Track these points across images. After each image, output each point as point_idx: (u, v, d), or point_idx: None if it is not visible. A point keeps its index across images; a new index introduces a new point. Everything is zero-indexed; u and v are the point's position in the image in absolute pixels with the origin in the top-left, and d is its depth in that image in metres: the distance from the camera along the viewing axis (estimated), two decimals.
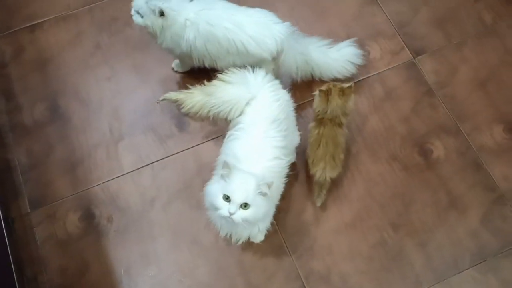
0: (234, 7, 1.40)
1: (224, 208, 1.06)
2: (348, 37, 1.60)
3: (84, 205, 1.48)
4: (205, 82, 1.32)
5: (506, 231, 1.40)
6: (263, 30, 1.37)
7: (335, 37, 1.59)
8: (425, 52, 1.66)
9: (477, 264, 1.36)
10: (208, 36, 1.37)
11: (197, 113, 1.32)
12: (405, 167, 1.49)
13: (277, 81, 1.33)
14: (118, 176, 1.52)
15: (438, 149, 1.52)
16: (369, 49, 1.66)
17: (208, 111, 1.31)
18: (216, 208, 1.07)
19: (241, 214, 1.06)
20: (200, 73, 1.52)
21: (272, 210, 1.22)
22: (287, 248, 1.40)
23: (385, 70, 1.64)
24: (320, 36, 1.56)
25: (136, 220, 1.46)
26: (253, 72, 1.30)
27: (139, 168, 1.53)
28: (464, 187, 1.46)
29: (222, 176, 1.08)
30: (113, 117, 1.60)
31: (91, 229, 1.45)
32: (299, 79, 1.54)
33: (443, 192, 1.45)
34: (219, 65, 1.44)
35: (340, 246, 1.40)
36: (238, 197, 1.05)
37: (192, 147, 1.55)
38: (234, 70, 1.32)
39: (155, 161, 1.53)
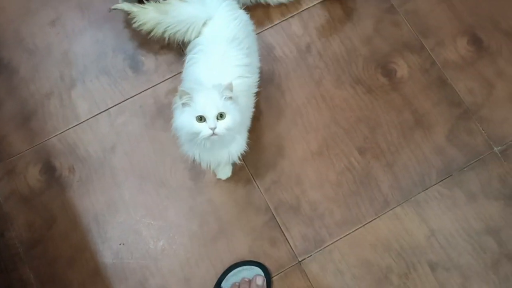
0: None
1: (205, 128, 1.05)
2: None
3: (43, 157, 1.43)
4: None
5: (471, 145, 1.40)
6: None
7: None
8: None
9: (443, 180, 1.37)
10: None
11: (151, 31, 1.33)
12: (369, 90, 1.46)
13: (234, 1, 1.28)
14: (75, 125, 1.46)
15: (402, 68, 1.48)
16: None
17: (163, 32, 1.31)
18: (196, 133, 1.05)
19: (221, 124, 1.05)
20: None
21: (246, 125, 1.22)
22: (255, 182, 1.39)
23: None
24: None
25: (99, 168, 1.42)
26: None
27: (95, 115, 1.46)
28: (429, 105, 1.44)
29: (184, 104, 1.06)
30: (63, 63, 1.52)
31: (54, 181, 1.42)
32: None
33: (408, 111, 1.43)
34: None
35: (308, 175, 1.39)
36: (210, 111, 1.04)
37: (149, 88, 1.48)
38: None
39: (111, 106, 1.47)
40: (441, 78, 1.46)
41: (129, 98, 1.48)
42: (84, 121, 1.46)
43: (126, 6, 1.34)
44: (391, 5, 1.53)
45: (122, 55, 1.52)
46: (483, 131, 1.42)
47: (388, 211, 1.35)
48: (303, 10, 1.54)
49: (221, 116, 1.05)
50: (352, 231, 1.34)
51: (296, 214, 1.36)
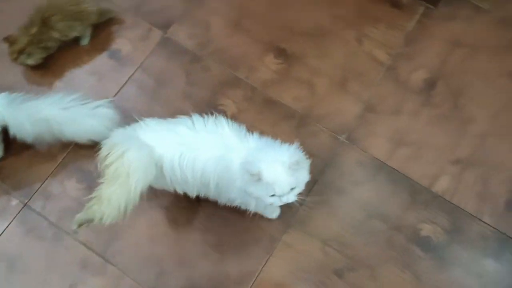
0: None
1: (277, 201, 1.05)
2: None
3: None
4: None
5: (321, 145, 1.44)
6: None
7: None
8: (172, 22, 1.60)
9: (312, 189, 1.39)
10: None
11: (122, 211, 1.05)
12: None
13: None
14: None
15: (230, 106, 1.49)
16: (120, 48, 1.56)
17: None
18: (270, 204, 1.07)
19: (292, 195, 1.05)
20: None
21: None
22: None
23: (145, 60, 1.55)
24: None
25: None
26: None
27: None
28: (268, 127, 1.45)
29: (256, 181, 1.02)
30: None
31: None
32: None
33: None
34: None
35: None
36: (283, 190, 1.03)
37: None
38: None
39: None
40: (267, 99, 1.50)
41: None
42: None
43: (83, 214, 1.04)
44: (194, 54, 1.56)
45: None
46: (324, 128, 1.47)
47: (278, 244, 1.34)
48: None
49: (291, 189, 1.04)
50: (254, 282, 1.31)
51: None
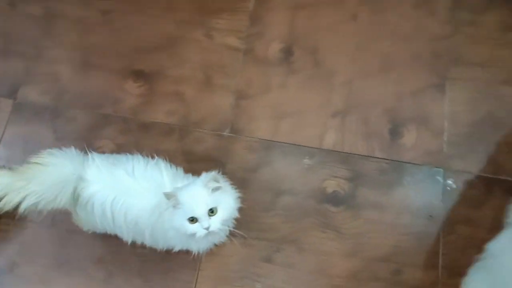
0: None
1: (199, 229, 1.00)
2: None
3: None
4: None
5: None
6: None
7: None
8: (19, 86, 1.53)
9: None
10: None
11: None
12: None
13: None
14: None
15: (108, 145, 1.46)
16: None
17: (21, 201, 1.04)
18: (193, 234, 1.01)
19: (215, 220, 1.01)
20: None
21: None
22: None
23: (4, 134, 1.47)
24: None
25: None
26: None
27: None
28: (152, 147, 1.43)
29: (174, 207, 1.01)
30: None
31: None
32: None
33: None
34: None
35: None
36: (200, 209, 0.99)
37: None
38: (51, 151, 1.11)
39: None
40: (142, 124, 1.48)
41: None
42: None
43: None
44: (53, 109, 1.50)
45: None
46: (206, 130, 1.47)
47: (202, 256, 1.33)
48: None
49: (212, 211, 1.00)
50: None
51: None
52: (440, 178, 1.42)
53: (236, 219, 1.15)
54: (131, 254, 1.35)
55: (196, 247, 1.15)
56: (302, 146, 1.45)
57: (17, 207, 1.03)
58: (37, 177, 1.06)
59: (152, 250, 1.33)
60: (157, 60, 1.56)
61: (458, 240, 1.36)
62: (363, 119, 1.49)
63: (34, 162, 1.08)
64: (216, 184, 1.02)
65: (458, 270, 1.31)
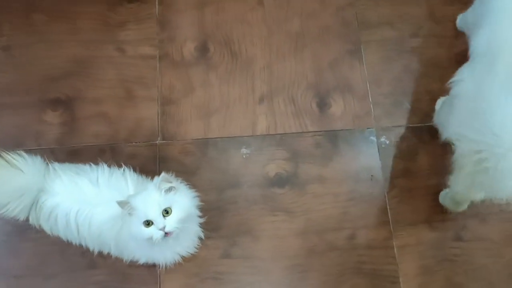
0: None
1: (155, 231, 0.97)
2: None
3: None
4: None
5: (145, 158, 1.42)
6: None
7: None
8: None
9: None
10: None
11: None
12: None
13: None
14: None
15: None
16: None
17: None
18: (150, 239, 0.98)
19: (170, 220, 0.99)
20: None
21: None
22: None
23: None
24: None
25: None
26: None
27: None
28: None
29: (129, 214, 0.99)
30: None
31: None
32: None
33: None
34: None
35: None
36: (153, 211, 0.97)
37: None
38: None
39: None
40: (71, 151, 1.44)
41: None
42: None
43: None
44: None
45: None
46: (137, 143, 1.45)
47: (161, 269, 1.31)
48: None
49: (167, 212, 0.98)
50: None
51: None
52: (373, 138, 1.47)
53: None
54: (88, 283, 1.30)
55: (161, 258, 1.14)
56: (237, 137, 1.46)
57: None
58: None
59: (109, 275, 1.30)
60: (72, 85, 1.51)
61: (402, 193, 1.41)
62: (290, 99, 1.51)
63: (2, 158, 1.05)
64: (168, 185, 1.02)
65: (407, 221, 1.37)
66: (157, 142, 1.45)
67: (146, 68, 1.54)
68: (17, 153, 1.09)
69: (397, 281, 1.32)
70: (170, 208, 1.00)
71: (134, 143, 1.45)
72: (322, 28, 1.59)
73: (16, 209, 1.07)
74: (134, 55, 1.55)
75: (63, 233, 1.13)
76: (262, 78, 1.53)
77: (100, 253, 1.20)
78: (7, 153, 1.07)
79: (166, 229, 0.99)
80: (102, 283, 1.31)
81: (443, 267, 1.34)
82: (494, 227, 1.38)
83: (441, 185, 1.35)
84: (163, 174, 1.01)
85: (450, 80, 1.15)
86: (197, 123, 1.47)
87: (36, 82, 1.51)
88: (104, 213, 1.07)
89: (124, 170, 1.14)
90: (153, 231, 0.99)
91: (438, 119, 1.32)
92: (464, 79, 1.11)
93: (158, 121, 1.47)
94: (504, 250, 1.36)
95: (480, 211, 1.38)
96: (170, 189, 1.01)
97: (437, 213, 1.38)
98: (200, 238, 1.19)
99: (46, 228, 1.14)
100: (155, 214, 0.98)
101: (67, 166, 1.15)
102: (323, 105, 1.51)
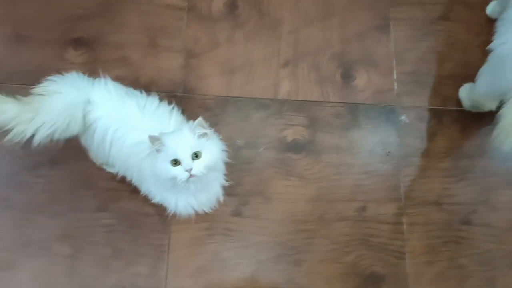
0: None
1: (180, 171, 0.97)
2: None
3: None
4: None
5: None
6: None
7: None
8: None
9: None
10: None
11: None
12: None
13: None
14: None
15: None
16: None
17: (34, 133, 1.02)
18: (173, 178, 0.97)
19: (198, 164, 0.98)
20: None
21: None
22: None
23: None
24: None
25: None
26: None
27: None
28: None
29: (158, 151, 0.98)
30: None
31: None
32: None
33: None
34: None
35: None
36: (183, 152, 0.97)
37: None
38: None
39: None
40: None
41: None
42: None
43: None
44: None
45: None
46: (157, 92, 1.42)
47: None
48: None
49: (196, 156, 0.98)
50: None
51: None
52: (393, 115, 1.46)
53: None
54: (95, 226, 1.30)
55: (173, 204, 1.11)
56: (257, 98, 1.44)
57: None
58: (43, 106, 1.03)
59: (118, 219, 1.30)
60: (96, 27, 1.48)
61: (416, 172, 1.42)
62: (314, 66, 1.49)
63: (37, 93, 1.04)
64: (203, 130, 1.01)
65: (419, 199, 1.37)
66: (177, 94, 1.43)
67: (172, 18, 1.51)
68: (47, 79, 1.07)
69: (403, 257, 1.33)
70: (200, 152, 0.99)
71: (154, 92, 1.42)
72: None
73: (76, 127, 1.08)
74: (161, 4, 1.52)
75: (95, 146, 1.12)
76: (288, 41, 1.51)
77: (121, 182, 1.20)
78: (35, 87, 1.05)
79: (193, 172, 0.98)
80: (110, 226, 1.30)
81: (448, 248, 1.35)
82: (503, 215, 1.39)
83: (456, 169, 1.37)
84: (199, 118, 1.00)
85: (489, 46, 1.20)
86: (219, 80, 1.45)
87: (59, 20, 1.48)
88: (136, 138, 1.06)
89: (173, 107, 1.13)
90: (179, 171, 0.98)
91: (480, 91, 1.32)
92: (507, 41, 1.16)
93: (180, 73, 1.45)
94: (510, 239, 1.37)
95: (491, 198, 1.39)
96: (203, 135, 1.01)
97: (449, 196, 1.39)
98: (218, 200, 1.17)
99: (86, 142, 1.15)
100: (185, 155, 0.98)
101: (118, 84, 1.13)
102: (347, 76, 1.49)
